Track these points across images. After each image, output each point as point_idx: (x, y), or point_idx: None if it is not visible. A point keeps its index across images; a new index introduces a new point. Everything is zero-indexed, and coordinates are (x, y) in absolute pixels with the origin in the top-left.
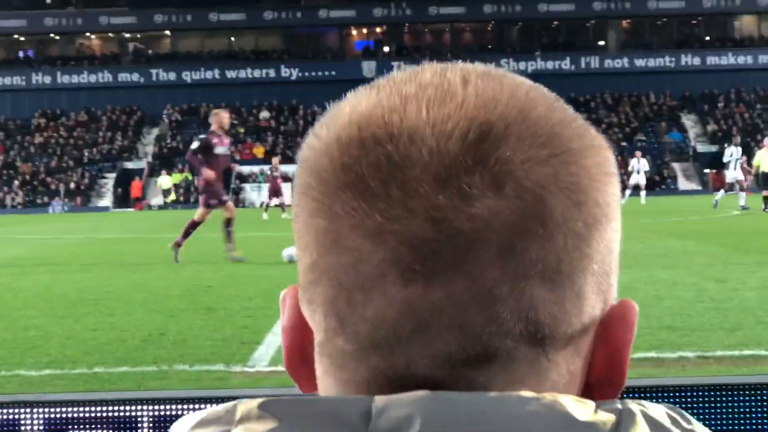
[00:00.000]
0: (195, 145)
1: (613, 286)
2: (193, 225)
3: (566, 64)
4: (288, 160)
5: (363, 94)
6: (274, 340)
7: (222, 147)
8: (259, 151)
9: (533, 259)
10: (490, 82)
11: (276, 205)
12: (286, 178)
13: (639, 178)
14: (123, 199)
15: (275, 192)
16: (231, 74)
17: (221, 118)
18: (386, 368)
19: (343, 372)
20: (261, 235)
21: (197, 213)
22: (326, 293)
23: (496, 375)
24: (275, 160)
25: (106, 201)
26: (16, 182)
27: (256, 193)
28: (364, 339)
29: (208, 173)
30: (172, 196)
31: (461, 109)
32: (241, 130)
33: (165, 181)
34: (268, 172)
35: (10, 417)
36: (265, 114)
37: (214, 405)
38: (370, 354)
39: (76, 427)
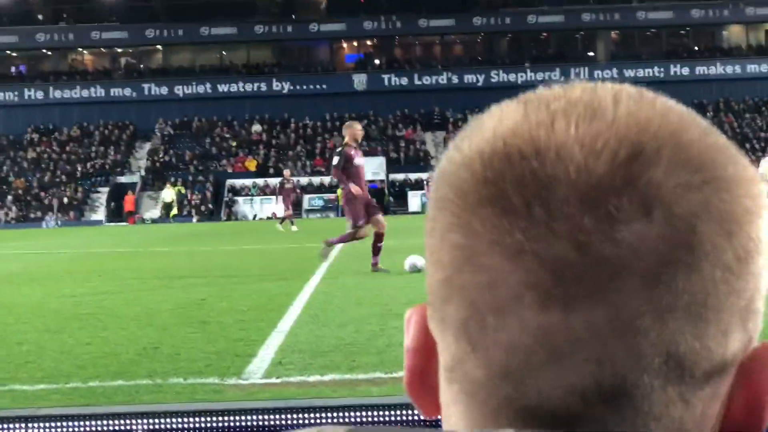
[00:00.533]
0: (336, 160)
1: (759, 326)
2: (374, 242)
3: (556, 75)
4: (279, 173)
5: (509, 108)
6: (268, 353)
7: (359, 159)
8: (251, 164)
9: (679, 290)
10: (642, 102)
11: (280, 217)
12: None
13: None
14: (116, 213)
15: (289, 203)
16: (223, 88)
17: (355, 130)
18: (517, 398)
19: (473, 400)
20: (253, 248)
21: (359, 233)
22: (458, 313)
23: (629, 413)
24: (287, 172)
25: (100, 215)
26: (10, 197)
27: (248, 206)
28: (496, 365)
29: (355, 188)
30: (175, 210)
31: (612, 128)
32: (234, 144)
33: (167, 194)
34: (281, 185)
35: None
36: (257, 127)
37: (212, 418)
38: (501, 382)
39: None
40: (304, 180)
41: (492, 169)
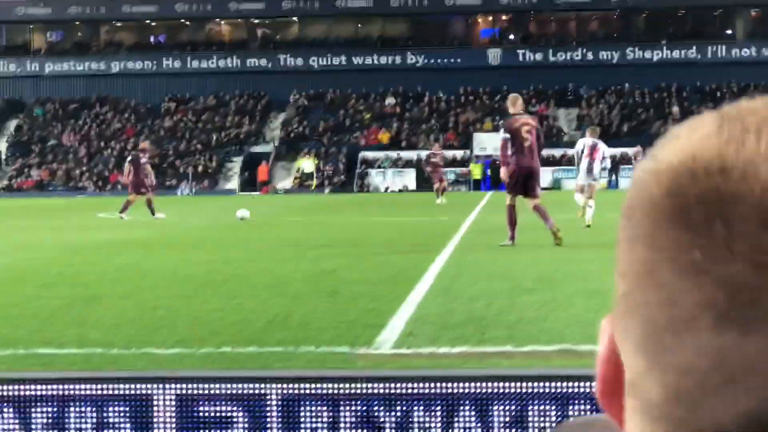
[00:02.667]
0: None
1: None
2: (542, 213)
3: (692, 53)
4: (411, 146)
5: (705, 120)
6: (398, 324)
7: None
8: (384, 136)
9: None
10: None
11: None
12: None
13: None
14: (249, 183)
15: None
16: (357, 60)
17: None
18: (691, 421)
19: (647, 417)
20: (384, 220)
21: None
22: (638, 329)
23: None
24: (437, 145)
25: (233, 184)
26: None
27: (380, 178)
28: (670, 387)
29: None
30: (315, 181)
31: None
32: (367, 116)
33: (307, 165)
34: (429, 158)
35: (143, 392)
36: (390, 100)
37: (345, 384)
38: (675, 404)
39: (206, 403)
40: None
41: (677, 183)
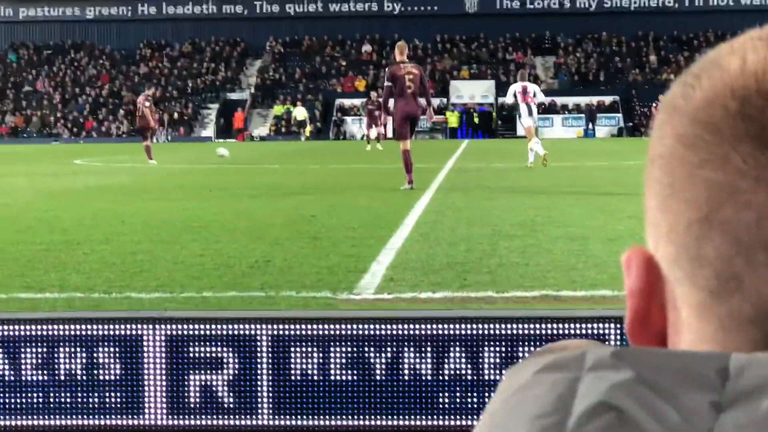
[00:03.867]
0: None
1: None
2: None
3: (669, 2)
4: None
5: (748, 46)
6: (379, 269)
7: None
8: (360, 84)
9: None
10: None
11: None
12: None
13: None
14: (225, 130)
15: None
16: (334, 7)
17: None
18: None
19: (737, 336)
20: (361, 167)
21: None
22: (720, 250)
23: None
24: (374, 94)
25: (209, 131)
26: (121, 111)
27: (356, 126)
28: (767, 303)
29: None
30: (308, 129)
31: None
32: (343, 63)
33: (300, 112)
34: (367, 105)
35: (134, 333)
36: (366, 48)
37: (335, 325)
38: None
39: (196, 343)
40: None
41: (750, 105)
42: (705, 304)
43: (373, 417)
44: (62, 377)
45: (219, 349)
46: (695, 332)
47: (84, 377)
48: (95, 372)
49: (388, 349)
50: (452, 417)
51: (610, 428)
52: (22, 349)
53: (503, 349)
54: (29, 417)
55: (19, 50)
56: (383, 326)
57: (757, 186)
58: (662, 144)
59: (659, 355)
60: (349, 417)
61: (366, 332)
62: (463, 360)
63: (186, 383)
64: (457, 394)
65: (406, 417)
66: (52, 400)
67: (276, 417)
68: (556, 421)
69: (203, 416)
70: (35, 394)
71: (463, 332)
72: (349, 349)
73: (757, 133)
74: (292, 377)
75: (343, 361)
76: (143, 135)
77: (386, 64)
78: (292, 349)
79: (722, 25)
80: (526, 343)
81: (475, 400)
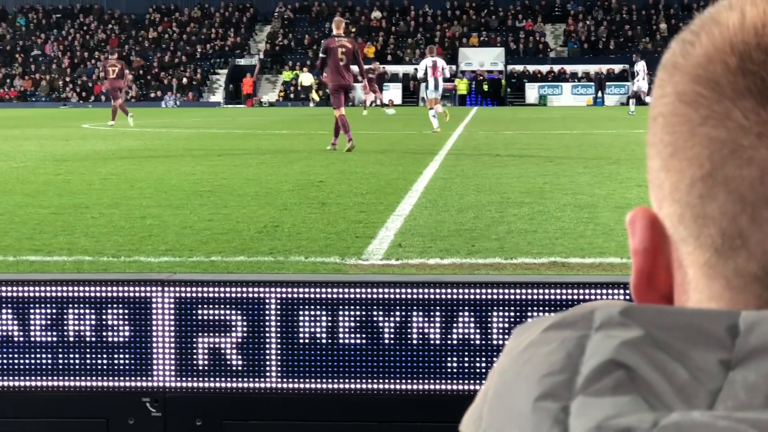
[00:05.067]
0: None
1: None
2: (345, 124)
3: None
4: (397, 60)
5: (746, 1)
6: (388, 235)
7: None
8: (369, 50)
9: None
10: None
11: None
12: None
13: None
14: (234, 95)
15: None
16: None
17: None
18: None
19: (743, 294)
20: (370, 133)
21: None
22: (725, 208)
23: None
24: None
25: (218, 97)
26: (130, 76)
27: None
28: None
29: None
30: (314, 94)
31: None
32: (353, 30)
33: (306, 78)
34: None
35: (143, 295)
36: (376, 14)
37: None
38: None
39: (205, 306)
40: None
41: (751, 61)
42: (711, 263)
43: (380, 381)
44: (71, 339)
45: (227, 312)
46: (702, 291)
47: (93, 339)
48: (104, 334)
49: (397, 313)
50: (460, 381)
51: (619, 386)
52: (32, 311)
53: (511, 314)
54: (39, 378)
55: (28, 14)
56: (391, 290)
57: (759, 142)
58: (663, 103)
59: (668, 312)
60: (357, 381)
61: (374, 296)
62: (472, 325)
63: (194, 346)
64: (466, 359)
65: (414, 381)
66: (61, 361)
67: (284, 380)
68: (565, 379)
69: (211, 379)
70: (45, 355)
71: (471, 297)
72: (358, 314)
73: (758, 89)
74: (301, 341)
75: (352, 325)
76: (112, 96)
77: (396, 31)
78: (301, 312)
79: None
80: (534, 309)
81: (483, 365)
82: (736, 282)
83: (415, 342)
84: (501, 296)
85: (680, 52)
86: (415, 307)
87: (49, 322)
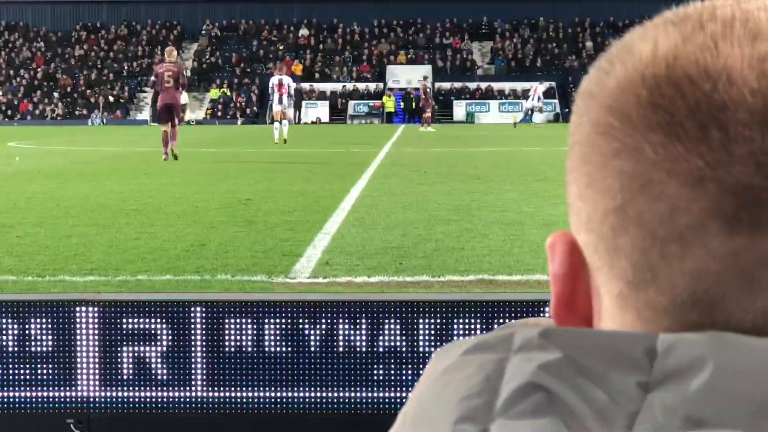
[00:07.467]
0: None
1: None
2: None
3: None
4: (325, 78)
5: (660, 31)
6: (315, 253)
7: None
8: (297, 68)
9: None
10: None
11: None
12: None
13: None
14: None
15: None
16: None
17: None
18: (705, 324)
19: (653, 326)
20: (297, 151)
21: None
22: (635, 242)
23: None
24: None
25: (145, 115)
26: (56, 94)
27: (291, 110)
28: (682, 293)
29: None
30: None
31: None
32: (280, 47)
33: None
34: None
35: (68, 315)
36: (304, 32)
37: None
38: (687, 309)
39: (131, 324)
40: (349, 86)
41: (660, 95)
42: (623, 294)
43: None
44: None
45: (153, 329)
46: (615, 321)
47: (16, 358)
48: (27, 353)
49: (324, 328)
50: (386, 392)
51: (538, 409)
52: None
53: (439, 331)
54: None
55: None
56: (318, 309)
57: (668, 178)
58: (580, 131)
59: (587, 335)
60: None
61: (301, 314)
62: (398, 341)
63: (120, 363)
64: (392, 372)
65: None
66: None
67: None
68: (484, 402)
69: (136, 398)
70: None
71: (398, 314)
72: (285, 330)
73: (667, 123)
74: (226, 357)
75: (278, 340)
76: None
77: (323, 48)
78: (227, 330)
79: (659, 12)
80: (462, 326)
81: (409, 379)
82: (646, 314)
83: (341, 355)
84: (428, 313)
85: (595, 81)
86: (341, 324)
87: None
